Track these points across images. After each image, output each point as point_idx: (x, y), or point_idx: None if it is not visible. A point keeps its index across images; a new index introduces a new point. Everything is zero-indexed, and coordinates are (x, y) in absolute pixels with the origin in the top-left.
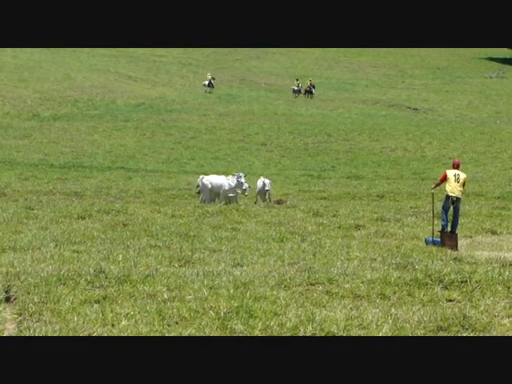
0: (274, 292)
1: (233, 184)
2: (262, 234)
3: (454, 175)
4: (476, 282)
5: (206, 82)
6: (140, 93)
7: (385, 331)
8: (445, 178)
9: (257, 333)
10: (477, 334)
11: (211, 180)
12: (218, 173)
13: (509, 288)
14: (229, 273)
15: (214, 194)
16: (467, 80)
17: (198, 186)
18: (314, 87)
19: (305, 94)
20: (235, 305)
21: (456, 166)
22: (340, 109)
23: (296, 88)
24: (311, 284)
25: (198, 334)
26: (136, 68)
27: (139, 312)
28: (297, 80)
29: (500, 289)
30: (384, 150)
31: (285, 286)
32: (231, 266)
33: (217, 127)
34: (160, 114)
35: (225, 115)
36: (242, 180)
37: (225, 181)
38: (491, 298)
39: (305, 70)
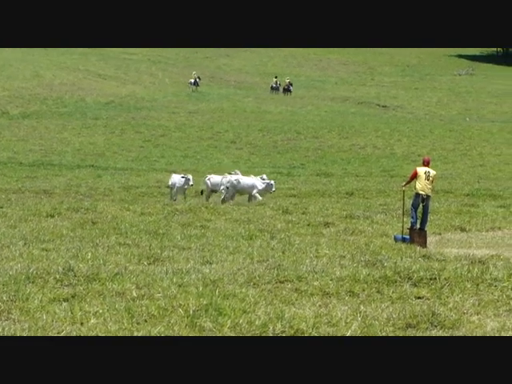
0: (243, 290)
1: (264, 185)
2: (231, 231)
3: (425, 173)
4: (445, 279)
5: (192, 81)
6: (109, 91)
7: (354, 329)
8: (415, 176)
9: (226, 330)
10: (446, 331)
11: (242, 180)
12: (187, 170)
13: (478, 285)
14: (198, 270)
15: (242, 193)
16: (436, 77)
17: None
18: (291, 85)
19: (283, 91)
20: (204, 302)
21: (426, 164)
22: (309, 106)
23: (274, 85)
24: (280, 282)
25: (166, 332)
26: (106, 66)
27: (108, 310)
28: (275, 77)
29: (469, 286)
30: (353, 147)
31: (254, 284)
32: (200, 263)
33: (186, 125)
34: (129, 111)
35: (194, 113)
36: (272, 182)
37: (256, 181)
38: (460, 295)
39: (274, 68)
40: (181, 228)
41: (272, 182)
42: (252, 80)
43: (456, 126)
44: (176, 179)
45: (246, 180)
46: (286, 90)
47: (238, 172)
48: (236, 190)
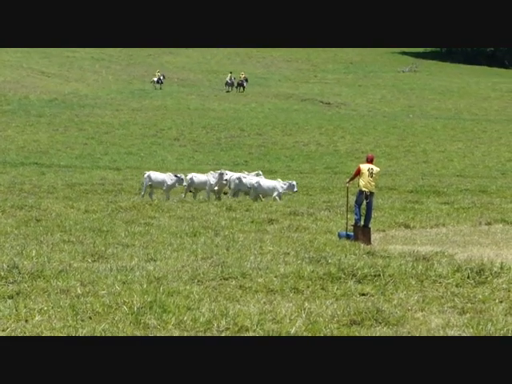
0: (188, 287)
1: (285, 186)
2: (175, 228)
3: (368, 170)
4: (389, 275)
5: (155, 79)
6: (53, 88)
7: (298, 325)
8: (359, 173)
9: (170, 327)
10: (390, 328)
11: (263, 183)
12: (131, 168)
13: (422, 282)
14: (142, 268)
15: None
16: (380, 74)
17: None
18: (246, 81)
19: (237, 87)
20: (148, 300)
21: (370, 161)
22: (253, 103)
23: (229, 81)
24: (224, 278)
25: (111, 329)
26: (49, 63)
27: (53, 307)
28: (230, 73)
29: (413, 282)
30: (297, 144)
31: (198, 281)
32: (144, 260)
33: (130, 122)
34: (73, 109)
35: (138, 110)
36: (294, 183)
37: (277, 184)
38: (404, 292)
39: (218, 65)
40: (125, 225)
41: (294, 182)
42: (195, 77)
43: (399, 123)
44: (210, 177)
45: (267, 182)
46: (240, 85)
47: (260, 173)
48: (256, 192)
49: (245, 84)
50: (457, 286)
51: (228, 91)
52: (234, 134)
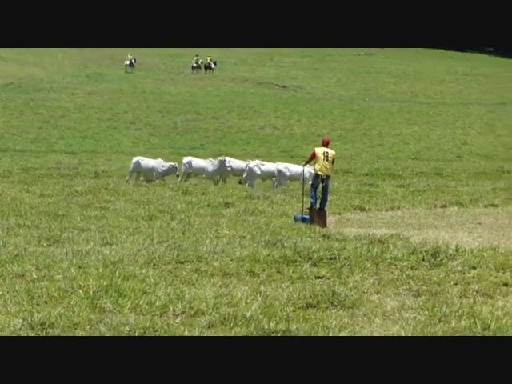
0: (144, 271)
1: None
2: (131, 212)
3: (323, 153)
4: (345, 258)
5: (128, 62)
6: (9, 72)
7: (254, 309)
8: (314, 156)
9: (126, 311)
10: (346, 311)
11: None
12: (87, 151)
13: (377, 264)
14: (98, 252)
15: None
16: (336, 58)
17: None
18: (215, 64)
19: (205, 69)
20: (104, 284)
21: (325, 144)
22: (209, 87)
23: (195, 64)
24: (180, 262)
25: (67, 313)
26: (5, 48)
27: (8, 292)
28: (196, 56)
29: (369, 265)
30: (253, 127)
31: (154, 265)
32: (100, 244)
33: (85, 106)
34: (29, 93)
35: (93, 94)
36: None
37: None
38: (360, 275)
39: (174, 49)
40: (80, 209)
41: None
42: (151, 61)
43: (355, 106)
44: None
45: (295, 168)
46: (208, 68)
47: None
48: (285, 178)
49: (213, 66)
50: (412, 268)
51: (194, 73)
52: (190, 117)
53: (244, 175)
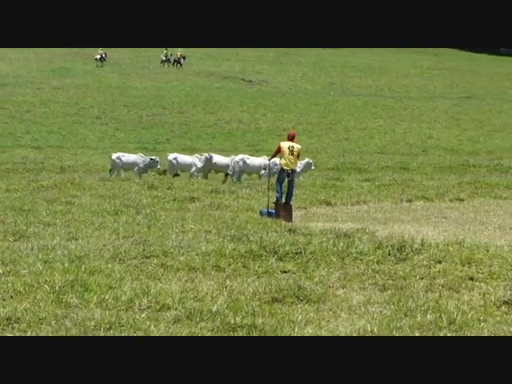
0: (109, 265)
1: (301, 165)
2: (96, 207)
3: (289, 147)
4: (311, 253)
5: (98, 57)
6: None
7: (220, 303)
8: (279, 151)
9: (92, 306)
10: (312, 305)
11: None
12: (53, 146)
13: (343, 259)
14: (64, 247)
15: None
16: (301, 52)
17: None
18: (184, 58)
19: (174, 64)
20: (70, 278)
21: (291, 138)
22: (174, 81)
23: (164, 58)
24: (146, 257)
25: (32, 308)
26: None
27: None
28: (166, 49)
29: (334, 260)
30: (218, 122)
31: (120, 260)
32: (66, 239)
33: (51, 101)
34: None
35: (59, 89)
36: (311, 161)
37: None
38: (326, 269)
39: None
40: (46, 204)
41: (311, 160)
42: (117, 56)
43: (321, 100)
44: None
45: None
46: (177, 62)
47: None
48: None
49: (182, 61)
50: (378, 262)
51: (163, 67)
52: (156, 112)
53: (229, 170)
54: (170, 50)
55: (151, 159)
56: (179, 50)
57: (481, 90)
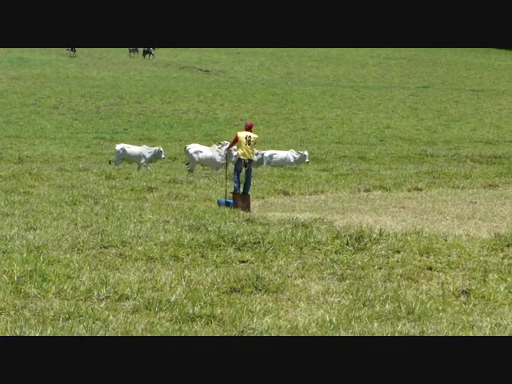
0: (68, 255)
1: (297, 157)
2: (54, 197)
3: (246, 137)
4: (269, 242)
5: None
6: None
7: (178, 293)
8: (237, 140)
9: (50, 296)
10: (270, 295)
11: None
12: (10, 137)
13: (301, 249)
14: (22, 237)
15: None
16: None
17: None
18: (153, 48)
19: (144, 54)
20: (29, 269)
21: (248, 128)
22: (132, 71)
23: (132, 47)
24: (104, 247)
25: None
26: None
27: None
28: None
29: (293, 249)
30: (176, 112)
31: (78, 250)
32: (24, 229)
33: (8, 91)
34: None
35: (16, 79)
36: (306, 153)
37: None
38: (284, 259)
39: None
40: (4, 194)
41: (306, 152)
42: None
43: (278, 90)
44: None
45: (281, 154)
46: (147, 52)
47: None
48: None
49: (152, 51)
50: (336, 252)
51: (131, 57)
52: (113, 102)
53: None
54: None
55: (156, 150)
56: None
57: (438, 80)
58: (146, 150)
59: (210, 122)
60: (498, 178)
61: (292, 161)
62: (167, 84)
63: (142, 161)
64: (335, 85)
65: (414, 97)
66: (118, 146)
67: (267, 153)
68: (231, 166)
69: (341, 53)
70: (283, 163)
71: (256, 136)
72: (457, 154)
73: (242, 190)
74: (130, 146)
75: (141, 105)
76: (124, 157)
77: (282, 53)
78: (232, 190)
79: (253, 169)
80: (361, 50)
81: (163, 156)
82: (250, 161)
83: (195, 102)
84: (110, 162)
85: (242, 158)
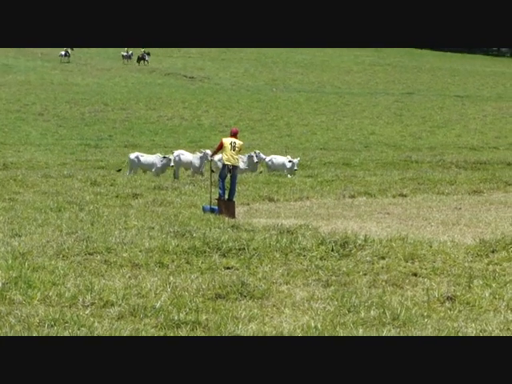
0: (53, 262)
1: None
2: (39, 203)
3: (231, 143)
4: (254, 249)
5: (63, 53)
6: None
7: (164, 299)
8: (222, 146)
9: (36, 303)
10: (255, 301)
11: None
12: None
13: (286, 255)
14: (7, 243)
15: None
16: (243, 48)
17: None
18: (148, 54)
19: (138, 60)
20: (14, 275)
21: (233, 134)
22: (117, 78)
23: (125, 54)
24: (89, 253)
25: None
26: None
27: None
28: None
29: (278, 256)
30: (161, 118)
31: (63, 256)
32: (9, 236)
33: None
34: None
35: (1, 85)
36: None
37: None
38: (269, 265)
39: None
40: None
41: (296, 160)
42: (59, 52)
43: (263, 97)
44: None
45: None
46: (141, 59)
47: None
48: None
49: (146, 57)
50: (321, 258)
51: (125, 64)
52: (98, 108)
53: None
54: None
55: (164, 157)
56: None
57: (423, 86)
58: (158, 159)
59: (194, 129)
60: (483, 184)
61: (292, 167)
62: (152, 90)
63: (154, 169)
64: (320, 91)
65: (399, 103)
66: (132, 155)
67: (268, 158)
68: (216, 172)
69: (325, 59)
70: (281, 168)
71: (241, 142)
72: (441, 160)
73: (226, 196)
74: (143, 154)
75: (126, 111)
76: (139, 165)
77: (266, 59)
78: (217, 196)
79: (237, 174)
80: (345, 57)
81: (172, 164)
82: (235, 167)
83: (180, 109)
84: (119, 170)
85: (226, 163)
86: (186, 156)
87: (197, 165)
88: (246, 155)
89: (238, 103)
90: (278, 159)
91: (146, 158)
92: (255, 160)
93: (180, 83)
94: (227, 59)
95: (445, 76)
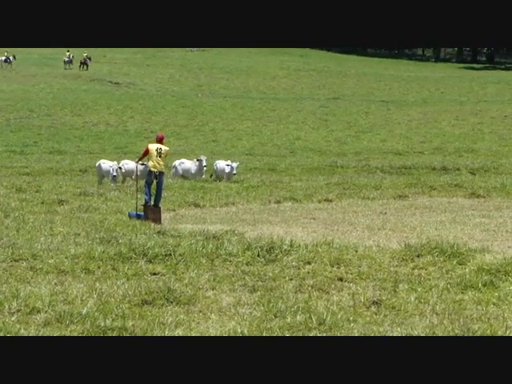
0: None
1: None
2: None
3: (156, 149)
4: (180, 255)
5: (3, 58)
6: None
7: (90, 306)
8: (147, 152)
9: None
10: (182, 307)
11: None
12: None
13: (212, 260)
14: None
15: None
16: (168, 54)
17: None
18: (89, 59)
19: (80, 66)
20: None
21: (159, 140)
22: (42, 84)
23: (67, 59)
24: (15, 260)
25: None
26: None
27: None
28: (68, 51)
29: (204, 261)
30: (86, 124)
31: None
32: None
33: None
34: None
35: None
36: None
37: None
38: (195, 271)
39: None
40: None
41: (234, 164)
42: None
43: (188, 102)
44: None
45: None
46: (83, 64)
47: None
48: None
49: (88, 62)
50: (247, 264)
51: (66, 69)
52: (23, 114)
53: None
54: (74, 52)
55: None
56: (85, 51)
57: (348, 91)
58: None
59: (120, 135)
60: (408, 189)
61: (231, 171)
62: (77, 96)
63: (133, 177)
64: (245, 96)
65: (324, 108)
66: (116, 165)
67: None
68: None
69: (251, 65)
70: (223, 174)
71: (167, 148)
72: (367, 165)
73: (152, 202)
74: (128, 161)
75: (51, 117)
76: (124, 174)
77: (192, 65)
78: (143, 202)
79: (163, 180)
80: (271, 62)
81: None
82: (161, 173)
83: (105, 115)
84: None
85: (152, 169)
86: (186, 164)
87: (192, 171)
88: (195, 159)
89: (163, 109)
90: (221, 164)
91: (129, 165)
92: (204, 164)
93: (105, 89)
94: (152, 65)
95: (370, 81)
